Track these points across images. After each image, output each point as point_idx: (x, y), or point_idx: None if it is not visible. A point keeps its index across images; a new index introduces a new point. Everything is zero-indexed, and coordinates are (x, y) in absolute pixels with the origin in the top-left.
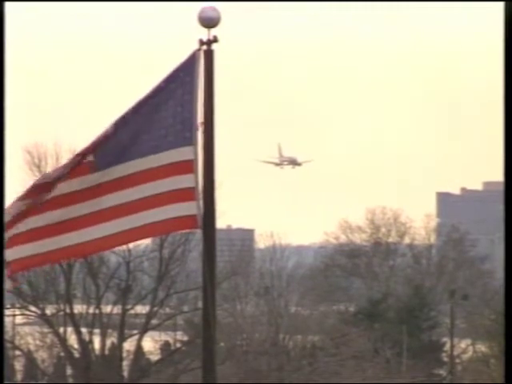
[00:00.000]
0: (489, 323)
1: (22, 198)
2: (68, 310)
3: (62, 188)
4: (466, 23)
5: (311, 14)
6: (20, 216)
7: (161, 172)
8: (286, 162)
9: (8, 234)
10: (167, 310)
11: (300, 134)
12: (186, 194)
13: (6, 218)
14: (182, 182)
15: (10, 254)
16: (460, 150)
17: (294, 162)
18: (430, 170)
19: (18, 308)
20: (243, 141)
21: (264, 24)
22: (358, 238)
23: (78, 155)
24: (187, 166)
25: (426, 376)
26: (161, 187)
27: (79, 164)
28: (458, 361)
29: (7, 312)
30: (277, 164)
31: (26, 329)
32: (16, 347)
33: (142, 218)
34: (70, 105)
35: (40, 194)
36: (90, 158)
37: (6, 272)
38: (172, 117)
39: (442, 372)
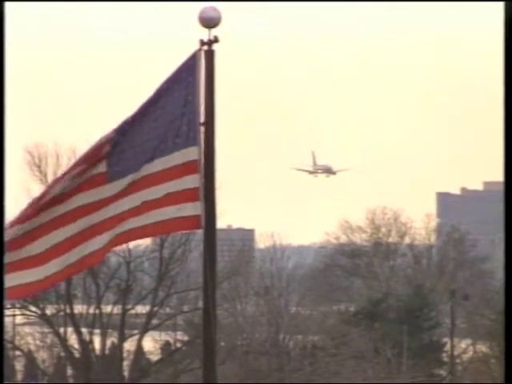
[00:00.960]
0: (489, 323)
1: (21, 221)
2: (68, 310)
3: (74, 202)
4: (466, 23)
5: (311, 14)
6: (23, 239)
7: (168, 174)
8: (320, 171)
9: (10, 258)
10: (167, 309)
11: (297, 133)
12: (190, 194)
13: (7, 238)
14: (187, 182)
15: (10, 280)
16: (460, 150)
17: (328, 171)
18: (430, 170)
19: (18, 308)
20: (242, 141)
21: (264, 24)
22: (359, 238)
23: (85, 161)
24: (192, 167)
25: (426, 376)
26: (169, 188)
27: (92, 177)
28: (458, 361)
29: (7, 312)
30: (311, 172)
31: (27, 329)
32: (16, 347)
33: (146, 218)
34: (70, 105)
35: (42, 211)
36: (103, 168)
37: (6, 297)
38: (177, 118)
39: (443, 372)
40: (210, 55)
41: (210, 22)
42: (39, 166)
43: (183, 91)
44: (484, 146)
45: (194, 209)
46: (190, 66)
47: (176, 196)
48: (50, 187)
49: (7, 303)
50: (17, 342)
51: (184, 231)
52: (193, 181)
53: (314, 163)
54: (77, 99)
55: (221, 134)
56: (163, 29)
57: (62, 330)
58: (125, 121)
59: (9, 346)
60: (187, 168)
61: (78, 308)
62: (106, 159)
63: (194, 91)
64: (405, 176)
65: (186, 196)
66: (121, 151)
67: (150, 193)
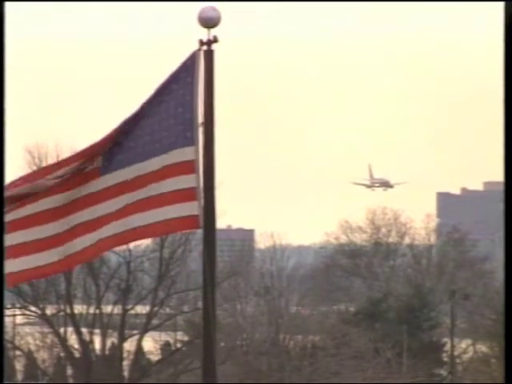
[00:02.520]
0: (489, 323)
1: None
2: (68, 310)
3: (69, 196)
4: (466, 23)
5: (311, 14)
6: (20, 223)
7: (163, 173)
8: (377, 184)
9: (7, 242)
10: (167, 310)
11: (294, 131)
12: (187, 194)
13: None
14: (183, 182)
15: (9, 266)
16: (460, 150)
17: (386, 184)
18: (430, 170)
19: (19, 308)
20: (242, 141)
21: (264, 24)
22: (359, 238)
23: (78, 158)
24: (189, 167)
25: (426, 376)
26: (163, 188)
27: (83, 171)
28: (458, 361)
29: (7, 312)
30: (368, 186)
31: (27, 329)
32: (16, 347)
33: (144, 218)
34: (70, 105)
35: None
36: (98, 163)
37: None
38: (173, 118)
39: (443, 372)
40: (209, 55)
41: (209, 22)
42: (39, 167)
43: (180, 91)
44: (484, 146)
45: (192, 209)
46: (188, 66)
47: (173, 195)
48: (40, 175)
49: (7, 303)
50: (17, 342)
51: (182, 231)
52: (190, 181)
53: (371, 176)
54: (77, 99)
55: (221, 133)
56: (163, 29)
57: (62, 330)
58: (125, 121)
59: (9, 345)
60: (183, 168)
61: (78, 308)
62: (102, 155)
63: (192, 91)
64: (405, 176)
65: (183, 196)
66: (115, 147)
67: (146, 192)
